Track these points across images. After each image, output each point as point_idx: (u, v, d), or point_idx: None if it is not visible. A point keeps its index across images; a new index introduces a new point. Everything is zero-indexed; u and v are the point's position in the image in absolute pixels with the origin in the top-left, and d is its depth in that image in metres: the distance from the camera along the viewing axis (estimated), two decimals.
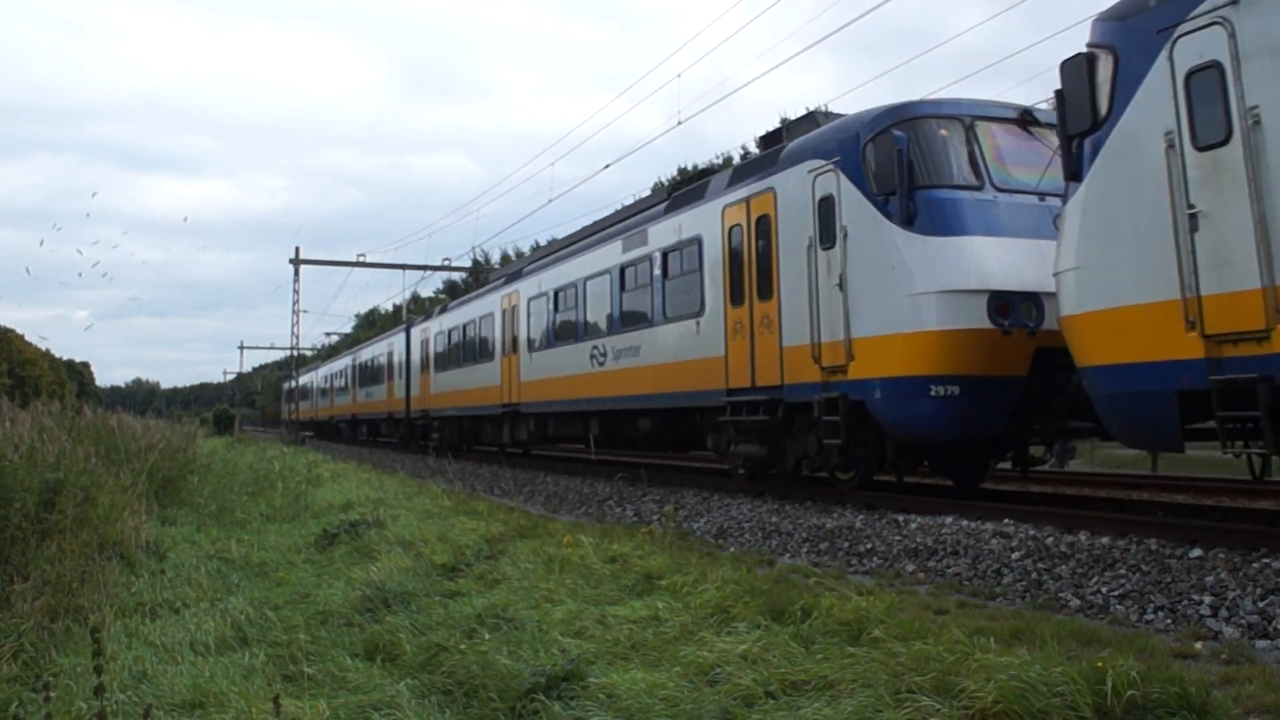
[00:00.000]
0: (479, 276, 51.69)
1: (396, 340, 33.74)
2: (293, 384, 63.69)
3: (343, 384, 45.70)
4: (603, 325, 15.98)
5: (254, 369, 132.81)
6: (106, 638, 5.98)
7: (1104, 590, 6.41)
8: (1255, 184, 6.21)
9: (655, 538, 8.25)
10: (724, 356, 12.33)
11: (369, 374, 38.84)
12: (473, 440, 26.41)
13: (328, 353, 62.16)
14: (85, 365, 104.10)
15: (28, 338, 79.45)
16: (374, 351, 38.38)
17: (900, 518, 9.47)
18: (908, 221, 9.44)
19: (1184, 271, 6.61)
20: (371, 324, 73.18)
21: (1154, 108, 6.85)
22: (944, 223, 9.33)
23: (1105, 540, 7.50)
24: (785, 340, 11.16)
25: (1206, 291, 6.51)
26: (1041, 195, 9.60)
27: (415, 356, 30.25)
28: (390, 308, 62.88)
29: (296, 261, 44.33)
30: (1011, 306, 9.09)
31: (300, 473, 18.00)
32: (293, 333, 45.85)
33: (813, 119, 12.42)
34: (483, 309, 23.49)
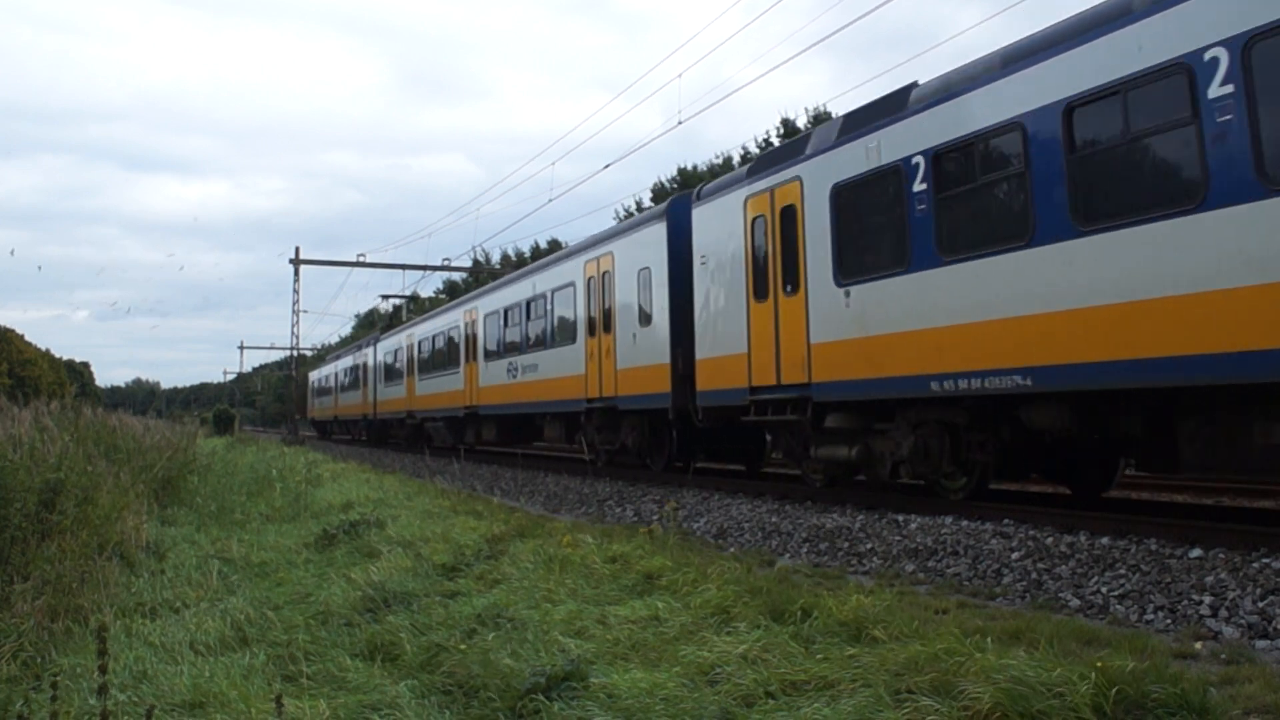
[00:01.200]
0: (478, 276, 51.35)
1: (629, 247, 15.78)
2: (324, 374, 51.59)
3: (435, 357, 28.01)
4: None
5: (254, 369, 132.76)
6: (107, 637, 5.99)
7: (1104, 590, 6.41)
8: None
9: (655, 538, 8.25)
10: None
11: (515, 335, 21.07)
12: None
13: (385, 324, 46.07)
14: (85, 365, 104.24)
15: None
16: (534, 287, 20.14)
17: (900, 518, 9.47)
18: None
19: None
20: (371, 324, 72.16)
21: None
22: None
23: (1105, 540, 7.50)
24: None
25: None
26: None
27: (730, 266, 12.73)
28: (390, 308, 59.71)
29: (296, 261, 44.33)
30: None
31: (300, 473, 18.00)
32: (293, 333, 45.83)
33: None
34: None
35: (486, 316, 23.45)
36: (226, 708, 4.75)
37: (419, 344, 30.17)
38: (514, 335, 21.31)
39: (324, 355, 62.42)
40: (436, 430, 29.18)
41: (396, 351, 33.22)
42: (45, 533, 7.61)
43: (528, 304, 20.54)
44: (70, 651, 5.94)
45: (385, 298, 46.58)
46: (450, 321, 26.90)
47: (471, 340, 24.40)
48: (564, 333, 18.55)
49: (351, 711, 4.72)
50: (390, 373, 34.19)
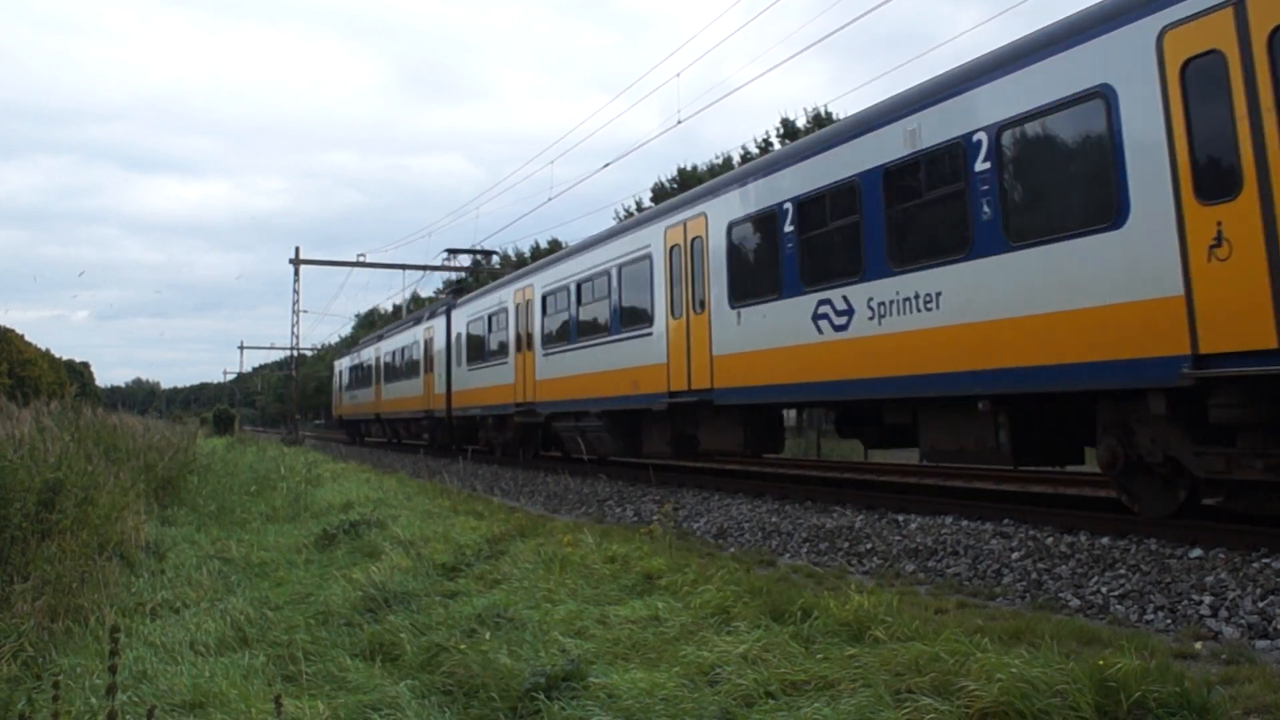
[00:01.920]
0: (479, 276, 51.10)
1: None
2: (361, 360, 40.32)
3: (588, 318, 17.29)
4: None
5: (254, 369, 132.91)
6: (107, 637, 5.99)
7: (1104, 590, 6.41)
8: None
9: (655, 538, 8.25)
10: None
11: (834, 249, 10.83)
12: None
13: (452, 288, 34.94)
14: (85, 365, 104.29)
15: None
16: (917, 137, 9.55)
17: (900, 518, 9.48)
18: None
19: None
20: (371, 324, 71.83)
21: None
22: None
23: (1105, 540, 7.50)
24: None
25: None
26: None
27: None
28: (390, 308, 57.70)
29: (296, 261, 44.32)
30: None
31: (300, 473, 18.00)
32: (293, 333, 45.84)
33: None
34: None
35: (735, 226, 12.72)
36: (226, 708, 4.75)
37: (545, 300, 18.99)
38: (832, 248, 10.96)
39: (356, 339, 55.95)
40: (587, 435, 17.20)
41: (493, 318, 22.22)
42: (45, 533, 7.60)
43: (905, 168, 9.88)
44: (70, 651, 5.94)
45: (453, 252, 34.79)
46: (629, 249, 15.48)
47: (689, 276, 13.66)
48: (1072, 207, 8.15)
49: (351, 711, 4.72)
50: (480, 350, 23.15)
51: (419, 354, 29.17)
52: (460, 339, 25.16)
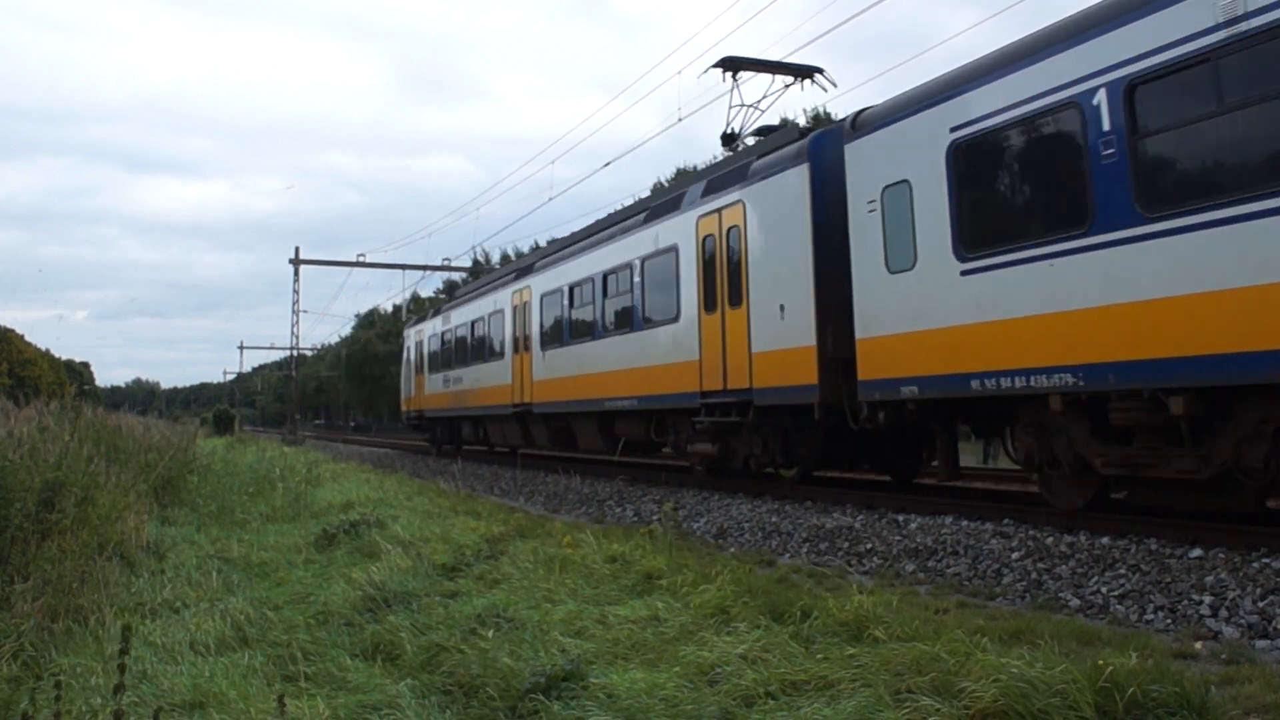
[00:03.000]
0: (478, 276, 50.94)
1: None
2: (474, 314, 23.70)
3: None
4: None
5: (254, 369, 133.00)
6: (107, 637, 5.99)
7: (1104, 590, 6.41)
8: None
9: (655, 538, 8.24)
10: None
11: None
12: None
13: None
14: (85, 365, 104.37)
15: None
16: None
17: (900, 518, 9.48)
18: None
19: None
20: (371, 324, 71.52)
21: None
22: None
23: (1105, 540, 7.51)
24: None
25: None
26: None
27: None
28: (390, 308, 57.14)
29: (296, 261, 44.35)
30: None
31: (300, 473, 17.99)
32: (293, 333, 45.86)
33: None
34: None
35: None
36: (226, 708, 4.75)
37: None
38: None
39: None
40: None
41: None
42: (45, 533, 7.59)
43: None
44: (71, 651, 5.94)
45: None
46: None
47: None
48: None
49: (351, 711, 4.72)
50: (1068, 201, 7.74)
51: (686, 275, 13.86)
52: (908, 206, 9.56)
